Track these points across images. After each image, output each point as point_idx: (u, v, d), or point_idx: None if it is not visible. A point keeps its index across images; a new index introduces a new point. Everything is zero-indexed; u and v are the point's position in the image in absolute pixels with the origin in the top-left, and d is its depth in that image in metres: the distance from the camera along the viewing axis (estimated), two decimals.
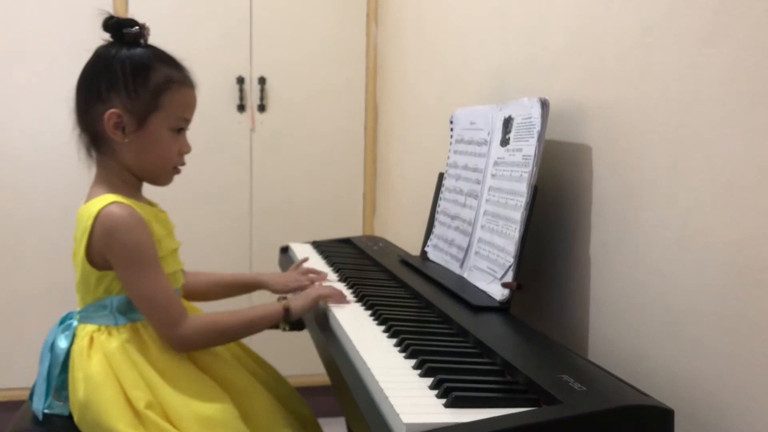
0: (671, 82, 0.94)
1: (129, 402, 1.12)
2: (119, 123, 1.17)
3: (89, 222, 1.14)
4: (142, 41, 1.20)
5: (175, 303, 1.18)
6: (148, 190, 1.29)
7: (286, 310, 1.23)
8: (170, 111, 1.20)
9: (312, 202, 2.61)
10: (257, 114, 2.53)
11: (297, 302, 1.24)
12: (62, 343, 1.20)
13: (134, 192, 1.24)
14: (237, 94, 2.50)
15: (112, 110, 1.16)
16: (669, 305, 0.93)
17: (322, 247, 1.79)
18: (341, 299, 1.23)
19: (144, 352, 1.16)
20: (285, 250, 1.87)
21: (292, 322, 1.25)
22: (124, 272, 1.15)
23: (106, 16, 1.19)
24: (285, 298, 1.29)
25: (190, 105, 1.24)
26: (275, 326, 1.26)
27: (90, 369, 1.14)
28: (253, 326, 1.24)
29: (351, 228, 2.62)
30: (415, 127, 2.18)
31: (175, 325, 1.16)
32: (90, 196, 1.20)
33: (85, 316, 1.20)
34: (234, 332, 1.24)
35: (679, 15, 0.92)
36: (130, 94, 1.17)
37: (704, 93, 0.87)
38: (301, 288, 1.38)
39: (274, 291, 1.47)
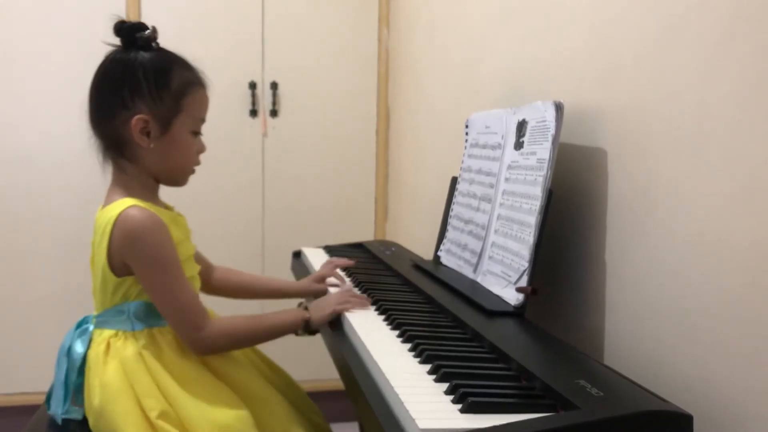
0: (687, 84, 0.93)
1: (143, 412, 1.12)
2: (145, 128, 1.18)
3: (108, 227, 1.14)
4: (154, 45, 1.21)
5: (199, 306, 1.18)
6: (163, 193, 1.29)
7: (306, 322, 1.24)
8: (191, 113, 1.22)
9: (324, 206, 2.61)
10: (269, 119, 2.54)
11: (317, 314, 1.24)
12: (79, 348, 1.20)
13: (152, 196, 1.24)
14: (249, 99, 2.51)
15: (139, 116, 1.17)
16: (686, 309, 0.92)
17: (334, 252, 1.79)
18: (362, 306, 1.22)
19: (160, 358, 1.16)
20: (297, 255, 1.87)
21: (310, 331, 1.25)
22: (146, 276, 1.15)
23: (118, 20, 1.20)
24: (303, 303, 1.28)
25: (205, 105, 1.26)
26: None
27: (106, 377, 1.14)
28: (273, 333, 1.25)
29: (363, 232, 2.62)
30: (427, 131, 2.18)
31: (199, 328, 1.16)
32: (108, 201, 1.20)
33: (102, 321, 1.20)
34: (254, 337, 1.25)
35: (696, 17, 0.91)
36: (155, 99, 1.18)
37: (720, 96, 0.87)
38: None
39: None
